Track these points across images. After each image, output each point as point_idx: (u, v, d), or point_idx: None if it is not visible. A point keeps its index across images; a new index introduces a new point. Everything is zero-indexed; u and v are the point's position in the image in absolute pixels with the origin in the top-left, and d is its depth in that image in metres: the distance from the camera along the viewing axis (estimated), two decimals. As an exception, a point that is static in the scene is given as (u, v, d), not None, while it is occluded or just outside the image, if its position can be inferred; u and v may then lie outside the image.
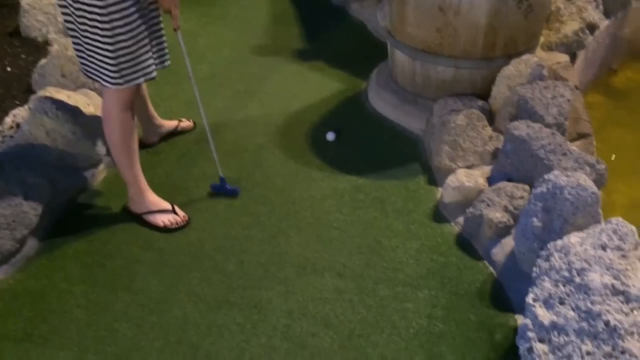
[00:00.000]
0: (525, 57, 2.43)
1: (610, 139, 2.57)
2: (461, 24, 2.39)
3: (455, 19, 2.38)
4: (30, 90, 2.64)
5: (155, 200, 2.15)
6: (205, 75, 3.10)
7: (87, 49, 1.90)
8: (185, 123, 2.65)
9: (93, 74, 1.95)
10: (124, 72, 1.89)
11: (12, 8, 3.35)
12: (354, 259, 1.99)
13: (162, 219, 2.12)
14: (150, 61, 1.95)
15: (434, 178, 2.35)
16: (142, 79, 1.94)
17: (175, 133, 2.61)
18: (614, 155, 2.31)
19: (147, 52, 1.92)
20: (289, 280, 1.92)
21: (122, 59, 1.86)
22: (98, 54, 1.87)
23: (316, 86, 3.01)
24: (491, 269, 1.91)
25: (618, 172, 2.32)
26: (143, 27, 1.87)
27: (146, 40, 1.91)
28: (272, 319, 1.79)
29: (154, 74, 1.98)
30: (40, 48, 3.00)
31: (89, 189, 2.30)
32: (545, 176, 1.80)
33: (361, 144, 2.58)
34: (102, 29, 1.80)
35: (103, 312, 1.83)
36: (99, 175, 2.35)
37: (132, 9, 1.81)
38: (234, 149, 2.56)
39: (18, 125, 2.28)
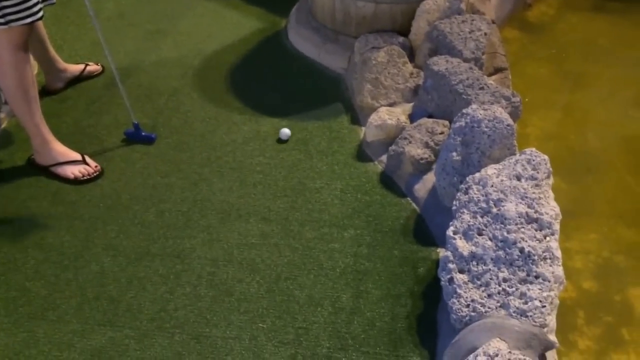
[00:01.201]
0: (443, -9, 2.40)
1: (525, 73, 2.63)
2: (380, -43, 2.32)
3: (374, -49, 2.31)
4: None
5: (62, 151, 2.01)
6: (112, 14, 2.88)
7: None
8: (93, 67, 2.47)
9: None
10: (5, 12, 1.70)
11: None
12: (279, 202, 1.96)
13: (72, 170, 1.99)
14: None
15: (357, 117, 2.33)
16: (28, 20, 1.75)
17: (81, 78, 2.43)
18: (527, 99, 2.37)
19: None
20: (213, 228, 1.87)
21: None
22: None
23: (233, 25, 2.87)
24: (414, 205, 1.94)
25: (532, 106, 2.40)
26: None
27: None
28: (197, 267, 1.74)
29: (41, 13, 1.79)
30: None
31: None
32: (464, 110, 1.81)
33: (282, 84, 2.50)
34: None
35: (13, 272, 1.72)
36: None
37: None
38: (148, 93, 2.41)
39: None
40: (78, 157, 2.02)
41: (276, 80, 2.53)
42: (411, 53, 2.42)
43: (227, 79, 2.51)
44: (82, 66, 2.43)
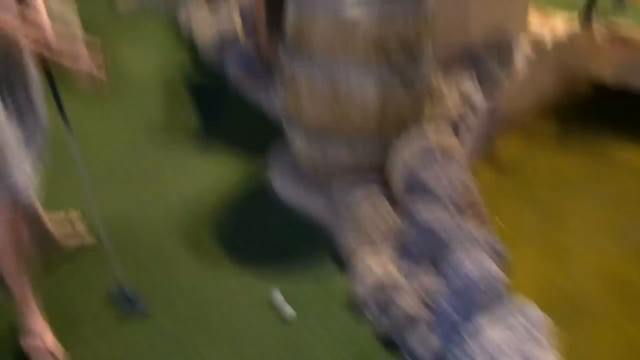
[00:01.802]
0: (413, 131, 2.53)
1: (499, 211, 2.66)
2: (353, 104, 2.47)
3: (347, 98, 2.46)
4: None
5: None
6: (94, 161, 2.91)
7: None
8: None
9: None
10: None
11: None
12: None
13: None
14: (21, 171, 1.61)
15: (343, 263, 2.33)
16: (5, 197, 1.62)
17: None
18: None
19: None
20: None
21: None
22: None
23: (219, 176, 2.91)
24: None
25: (511, 244, 2.40)
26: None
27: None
28: None
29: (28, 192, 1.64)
30: None
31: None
32: (448, 258, 1.84)
33: (266, 232, 2.52)
34: None
35: None
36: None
37: None
38: (139, 259, 2.37)
39: None
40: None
41: (260, 228, 2.55)
42: (390, 195, 2.49)
43: (214, 229, 2.52)
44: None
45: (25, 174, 1.68)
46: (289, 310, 2.08)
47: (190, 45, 4.57)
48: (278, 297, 2.14)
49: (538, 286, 2.24)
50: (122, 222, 2.54)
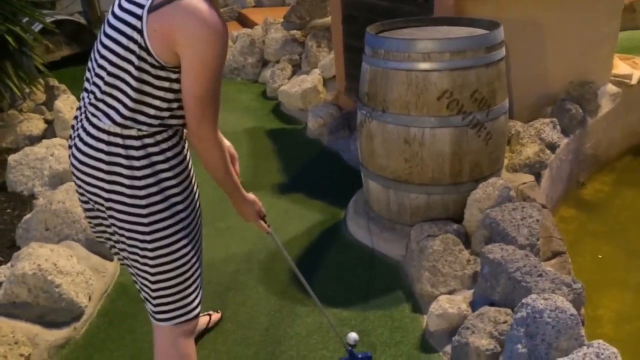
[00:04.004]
0: (491, 180, 2.54)
1: (587, 252, 2.62)
2: (427, 154, 2.53)
3: (421, 149, 2.52)
4: (14, 246, 2.67)
5: None
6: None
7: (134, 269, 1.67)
8: (215, 315, 2.36)
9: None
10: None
11: (-1, 164, 3.48)
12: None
13: None
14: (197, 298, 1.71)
15: (418, 305, 2.35)
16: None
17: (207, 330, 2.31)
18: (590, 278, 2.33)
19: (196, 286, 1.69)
20: None
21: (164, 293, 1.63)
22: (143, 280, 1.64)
23: (296, 218, 3.09)
24: (484, 400, 1.86)
25: (600, 286, 2.35)
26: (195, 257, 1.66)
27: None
28: None
29: (198, 310, 1.71)
30: (26, 202, 3.09)
31: (71, 343, 2.25)
32: (524, 300, 1.82)
33: (343, 274, 2.60)
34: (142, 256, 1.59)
35: None
36: (80, 328, 2.31)
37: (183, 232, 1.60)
38: (217, 289, 2.56)
39: (0, 284, 2.28)
40: None
41: (336, 270, 2.63)
42: (466, 240, 2.50)
43: (291, 272, 2.64)
44: (206, 318, 2.31)
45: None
46: (363, 351, 2.11)
47: (275, 101, 4.89)
48: (353, 337, 2.18)
49: (625, 325, 2.13)
50: (208, 264, 2.73)
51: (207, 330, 2.28)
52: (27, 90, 4.10)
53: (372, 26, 2.74)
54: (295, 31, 5.39)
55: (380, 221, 2.82)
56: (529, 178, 2.75)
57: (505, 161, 2.86)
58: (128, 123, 1.48)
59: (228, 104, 4.90)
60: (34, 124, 3.99)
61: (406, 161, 2.57)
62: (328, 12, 5.26)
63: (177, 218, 1.58)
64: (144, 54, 1.42)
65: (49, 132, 3.96)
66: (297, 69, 5.14)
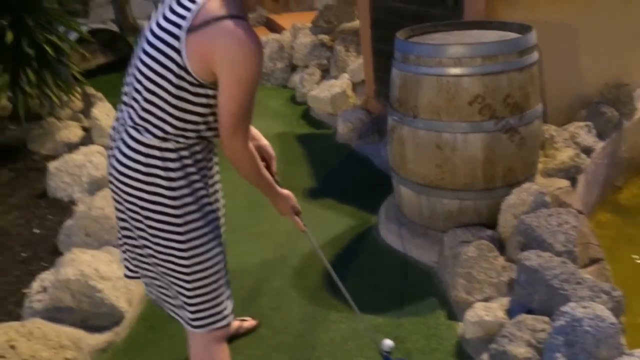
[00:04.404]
0: (525, 185, 2.52)
1: (626, 258, 2.57)
2: (459, 159, 2.52)
3: (453, 154, 2.52)
4: (56, 252, 2.76)
5: None
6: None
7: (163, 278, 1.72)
8: (249, 322, 2.37)
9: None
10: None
11: (39, 171, 3.59)
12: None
13: None
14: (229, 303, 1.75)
15: (454, 312, 2.34)
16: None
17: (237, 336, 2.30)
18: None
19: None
20: None
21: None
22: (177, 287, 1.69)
23: (328, 223, 3.11)
24: (522, 408, 1.85)
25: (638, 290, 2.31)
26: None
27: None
28: None
29: (232, 316, 1.76)
30: (66, 208, 3.18)
31: (113, 347, 2.32)
32: (562, 308, 1.80)
33: (375, 280, 2.61)
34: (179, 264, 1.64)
35: None
36: (122, 332, 2.38)
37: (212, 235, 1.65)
38: (251, 294, 2.59)
39: (45, 289, 2.35)
40: None
41: (369, 275, 2.64)
42: (501, 246, 2.48)
43: (324, 277, 2.66)
44: (237, 323, 2.32)
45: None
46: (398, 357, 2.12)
47: (304, 106, 4.93)
48: (388, 344, 2.19)
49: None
50: (243, 270, 2.77)
51: (237, 336, 2.30)
52: (65, 98, 4.21)
53: (401, 31, 2.74)
54: (323, 36, 5.42)
55: (412, 227, 2.82)
56: (564, 183, 2.72)
57: (540, 166, 2.83)
58: (168, 137, 1.53)
59: (258, 109, 4.90)
60: (72, 132, 4.10)
61: (438, 166, 2.57)
62: (356, 16, 5.28)
63: (211, 226, 1.63)
64: (182, 73, 1.46)
65: (87, 139, 4.07)
66: (326, 73, 5.17)
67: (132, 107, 1.56)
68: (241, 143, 1.54)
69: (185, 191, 1.57)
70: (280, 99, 5.29)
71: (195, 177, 1.60)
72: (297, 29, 5.78)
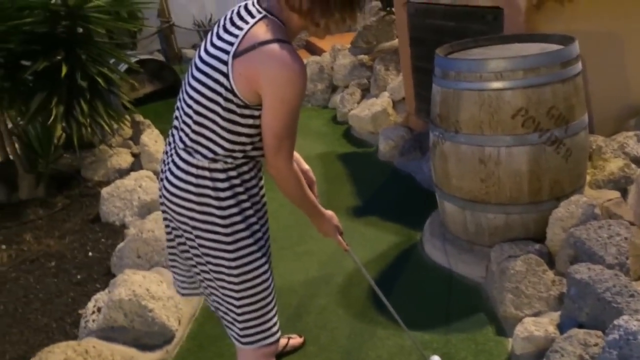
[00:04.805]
0: (574, 197, 2.47)
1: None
2: (503, 173, 2.49)
3: (497, 168, 2.49)
4: (110, 273, 2.86)
5: None
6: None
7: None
8: (296, 340, 2.39)
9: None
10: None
11: (93, 197, 3.75)
12: None
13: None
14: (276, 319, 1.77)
15: (502, 328, 2.30)
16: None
17: (284, 353, 2.33)
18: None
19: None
20: None
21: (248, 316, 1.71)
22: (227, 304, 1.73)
23: (373, 241, 3.12)
24: None
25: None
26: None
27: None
28: None
29: (279, 333, 1.78)
30: (118, 232, 3.30)
31: (163, 365, 2.38)
32: (615, 322, 1.75)
33: (422, 296, 2.59)
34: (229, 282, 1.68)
35: None
36: (172, 350, 2.44)
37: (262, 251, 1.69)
38: (297, 312, 2.62)
39: (99, 310, 2.45)
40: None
41: (415, 292, 2.63)
42: (550, 260, 2.43)
43: (370, 295, 2.66)
44: (284, 340, 2.35)
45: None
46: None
47: (345, 126, 4.97)
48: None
49: None
50: (288, 288, 2.80)
51: (284, 353, 2.32)
52: (116, 126, 4.40)
53: (441, 48, 2.76)
54: (362, 56, 5.48)
55: (458, 242, 2.79)
56: (615, 194, 2.65)
57: (588, 177, 2.76)
58: (217, 157, 1.59)
59: (300, 130, 4.94)
60: (123, 158, 4.28)
61: (482, 181, 2.55)
62: (394, 35, 5.32)
63: (258, 245, 1.68)
64: (230, 95, 1.53)
65: (136, 164, 4.23)
66: (366, 92, 5.22)
67: (183, 130, 1.64)
68: (285, 162, 1.59)
69: (234, 210, 1.63)
70: (322, 119, 5.37)
71: (243, 196, 1.65)
72: (336, 51, 5.87)
